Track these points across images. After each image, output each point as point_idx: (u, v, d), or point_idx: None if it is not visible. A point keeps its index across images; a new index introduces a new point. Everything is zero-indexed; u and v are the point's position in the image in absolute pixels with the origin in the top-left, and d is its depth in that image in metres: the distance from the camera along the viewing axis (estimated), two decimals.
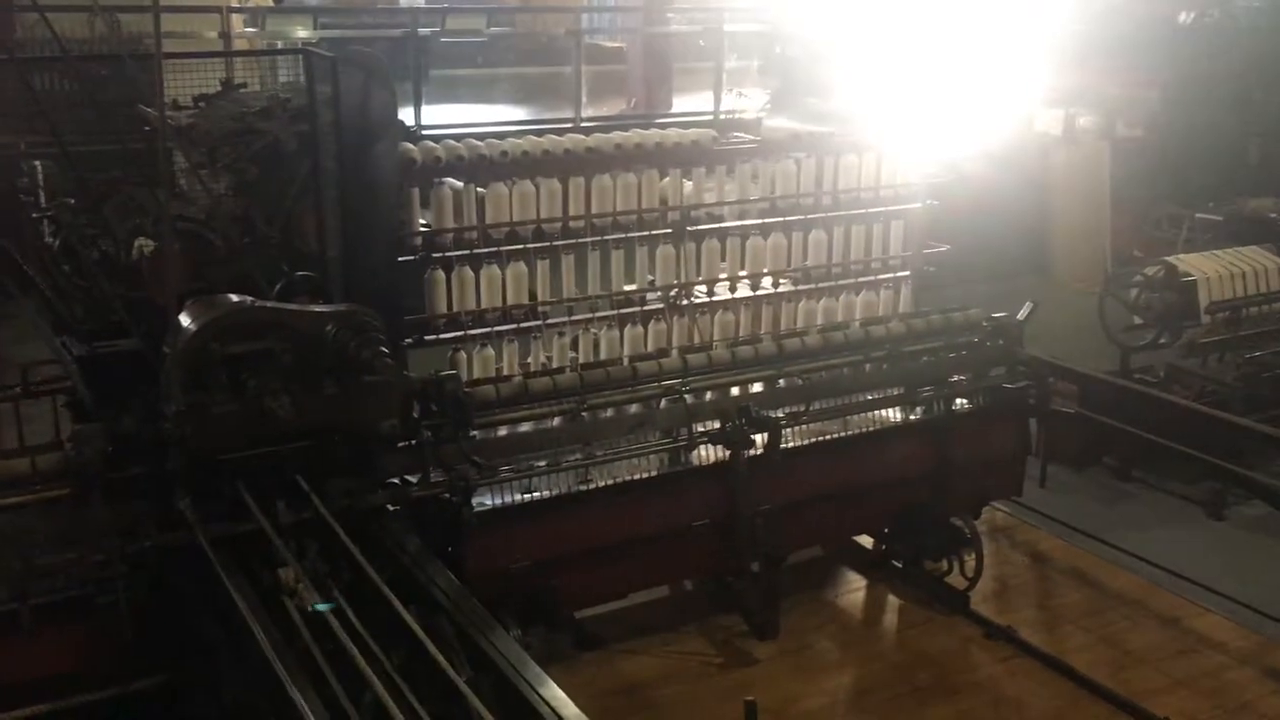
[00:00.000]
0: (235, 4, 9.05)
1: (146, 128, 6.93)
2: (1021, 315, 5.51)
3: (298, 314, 3.83)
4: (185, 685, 3.59)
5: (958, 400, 5.31)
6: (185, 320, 3.65)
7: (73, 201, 4.39)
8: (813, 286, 5.77)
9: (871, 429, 5.12)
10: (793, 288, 5.75)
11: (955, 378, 5.34)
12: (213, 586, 3.35)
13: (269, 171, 5.94)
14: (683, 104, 8.98)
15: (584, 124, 6.41)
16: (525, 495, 4.33)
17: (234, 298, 3.86)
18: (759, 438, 4.65)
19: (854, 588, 5.54)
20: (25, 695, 3.56)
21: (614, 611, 4.95)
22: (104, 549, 3.53)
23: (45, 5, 5.46)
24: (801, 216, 5.67)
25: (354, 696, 2.74)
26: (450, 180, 4.97)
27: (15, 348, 4.35)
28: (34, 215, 5.37)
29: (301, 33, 8.90)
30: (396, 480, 4.08)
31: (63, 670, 3.60)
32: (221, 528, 3.47)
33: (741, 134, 6.26)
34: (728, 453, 4.63)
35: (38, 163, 6.04)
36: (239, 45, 8.65)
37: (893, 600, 5.44)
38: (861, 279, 5.92)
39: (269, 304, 3.92)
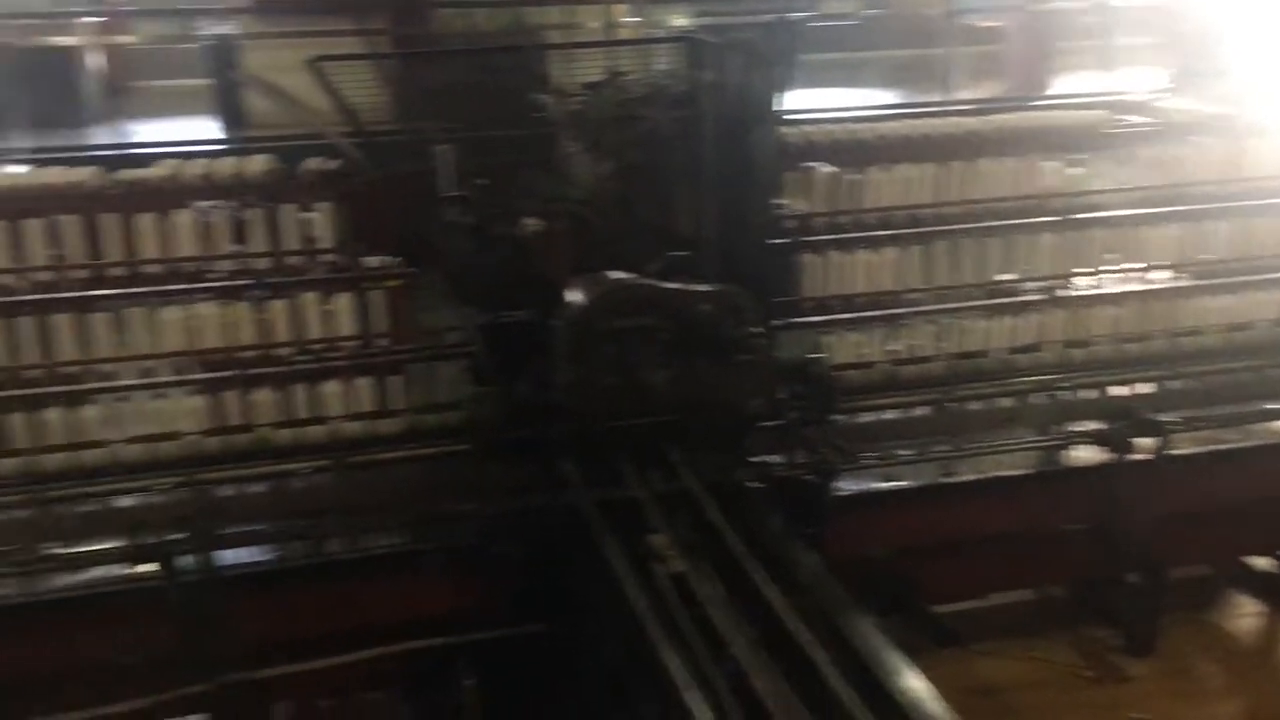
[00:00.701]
0: None
1: (539, 114, 7.44)
2: None
3: (676, 293, 3.99)
4: (562, 635, 3.85)
5: None
6: (573, 295, 3.90)
7: (484, 183, 4.78)
8: (1212, 282, 5.28)
9: (1276, 440, 4.65)
10: (1189, 283, 5.29)
11: None
12: (590, 547, 3.58)
13: (649, 156, 6.21)
14: (1063, 86, 8.51)
15: (961, 107, 6.20)
16: (887, 483, 4.29)
17: (617, 275, 4.09)
18: (1145, 441, 4.35)
19: (1246, 612, 5.06)
20: (425, 629, 3.97)
21: (974, 610, 4.81)
22: (498, 503, 3.87)
23: (460, 1, 5.95)
24: (1203, 206, 5.20)
25: (716, 661, 2.85)
26: (821, 164, 4.98)
27: (422, 314, 4.80)
28: (443, 196, 5.92)
29: (680, 20, 9.22)
30: (760, 458, 4.17)
31: (459, 610, 3.98)
32: (600, 492, 3.69)
33: (1135, 116, 5.83)
34: (1109, 455, 4.36)
35: (445, 147, 6.65)
36: (623, 34, 9.10)
37: None
38: (1270, 275, 5.35)
39: (650, 282, 4.09)
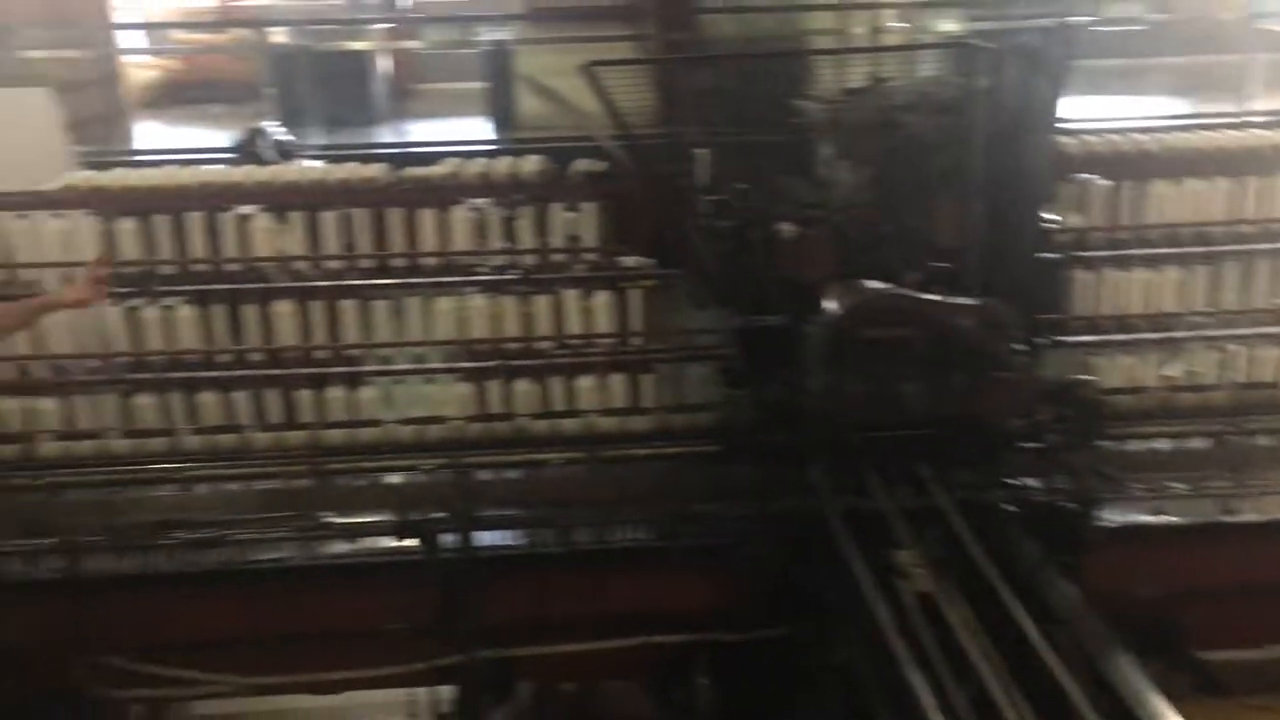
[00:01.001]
0: None
1: (796, 120, 7.40)
2: None
3: (934, 304, 3.88)
4: (800, 641, 3.83)
5: None
6: (828, 303, 3.86)
7: (743, 187, 4.80)
8: None
9: None
10: None
11: None
12: (834, 555, 3.54)
13: (909, 163, 6.08)
14: None
15: (1259, 119, 5.74)
16: (1157, 517, 4.03)
17: (874, 285, 4.02)
18: None
19: None
20: (666, 624, 4.04)
21: (1247, 660, 4.45)
22: (743, 505, 3.89)
23: (726, 7, 6.00)
24: None
25: (960, 686, 2.76)
26: (1093, 176, 4.73)
27: (670, 315, 4.88)
28: (701, 198, 5.99)
29: (949, 25, 8.97)
30: (1016, 481, 4.00)
31: (699, 608, 4.03)
32: (847, 501, 3.64)
33: None
34: None
35: (703, 151, 6.73)
36: (888, 40, 8.94)
37: None
38: None
39: (907, 292, 4.00)
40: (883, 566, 3.35)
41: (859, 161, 6.11)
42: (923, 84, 6.59)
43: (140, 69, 15.82)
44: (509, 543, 4.07)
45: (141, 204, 4.28)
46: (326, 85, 11.87)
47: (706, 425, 4.23)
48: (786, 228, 5.62)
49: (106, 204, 4.30)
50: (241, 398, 4.31)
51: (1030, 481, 3.98)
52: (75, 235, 4.27)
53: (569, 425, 4.28)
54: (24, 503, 4.02)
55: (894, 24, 9.96)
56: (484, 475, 4.18)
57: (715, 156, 6.66)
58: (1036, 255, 4.55)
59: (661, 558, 3.96)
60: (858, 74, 7.92)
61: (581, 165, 4.37)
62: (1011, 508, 3.83)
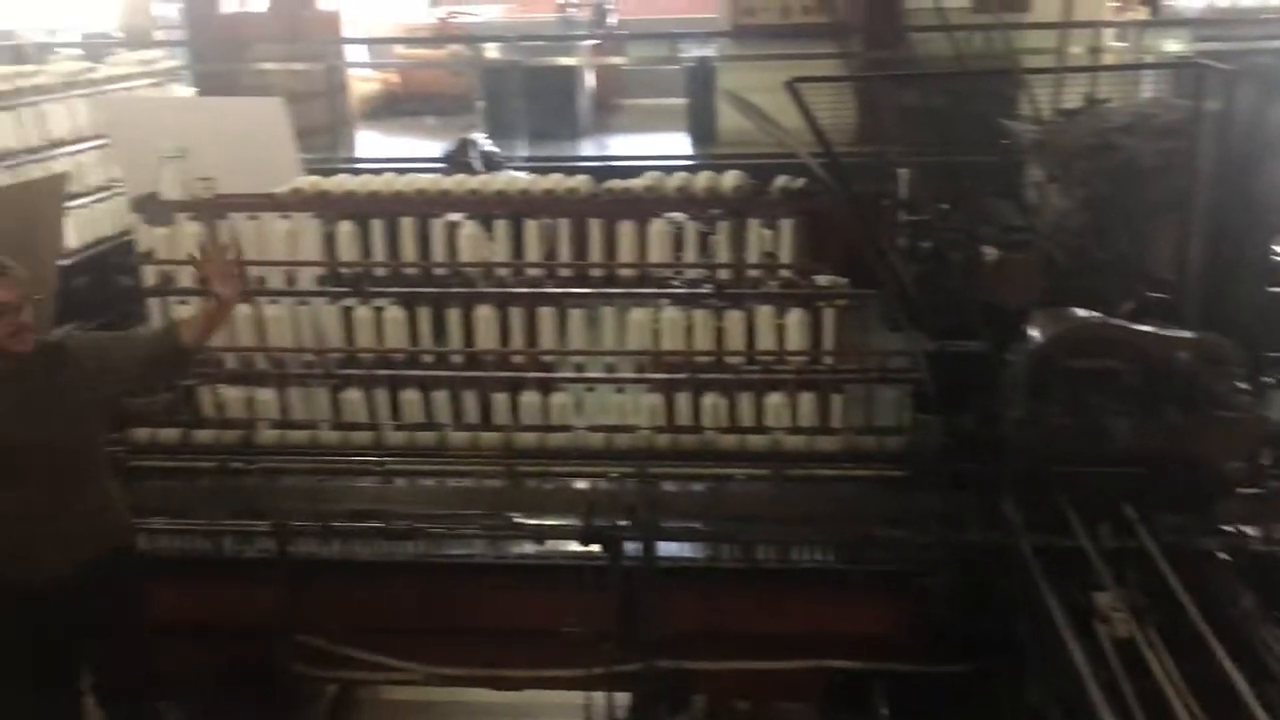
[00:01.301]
0: (1110, 18, 8.94)
1: (1005, 140, 7.19)
2: None
3: (1148, 336, 3.70)
4: (985, 678, 3.70)
5: None
6: (1033, 330, 3.72)
7: (947, 207, 4.70)
8: None
9: None
10: None
11: None
12: (1027, 592, 3.40)
13: (1125, 188, 5.80)
14: None
15: None
16: None
17: (1082, 313, 3.86)
18: None
19: None
20: (844, 649, 3.97)
21: None
22: (929, 533, 3.79)
23: (936, 25, 5.88)
24: None
25: None
26: None
27: (859, 335, 4.81)
28: (901, 217, 5.88)
29: (1174, 45, 8.55)
30: (1231, 527, 3.76)
31: (878, 634, 3.95)
32: (1043, 538, 3.49)
33: None
34: None
35: (904, 170, 6.62)
36: (1107, 60, 8.59)
37: None
38: None
39: (1119, 322, 3.83)
40: (1080, 608, 3.21)
41: (1071, 184, 5.88)
42: (1143, 106, 6.30)
43: (362, 82, 16.73)
44: (690, 555, 4.08)
45: (359, 209, 4.51)
46: (534, 99, 12.27)
47: (895, 449, 4.14)
48: (991, 250, 5.45)
49: (328, 208, 4.55)
50: (441, 397, 4.48)
51: (1247, 529, 3.74)
52: (299, 236, 4.54)
53: (756, 441, 4.26)
54: (241, 486, 4.28)
55: (1114, 43, 9.57)
56: (669, 486, 4.21)
57: (918, 176, 6.55)
58: (1265, 289, 4.28)
59: (842, 581, 3.90)
60: (1073, 95, 7.64)
61: (780, 181, 4.35)
62: (1225, 556, 3.60)
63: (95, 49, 11.70)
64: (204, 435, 4.41)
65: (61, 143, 9.05)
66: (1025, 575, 3.38)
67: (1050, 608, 3.13)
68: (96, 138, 9.20)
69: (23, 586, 3.44)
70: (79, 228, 9.02)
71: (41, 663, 3.57)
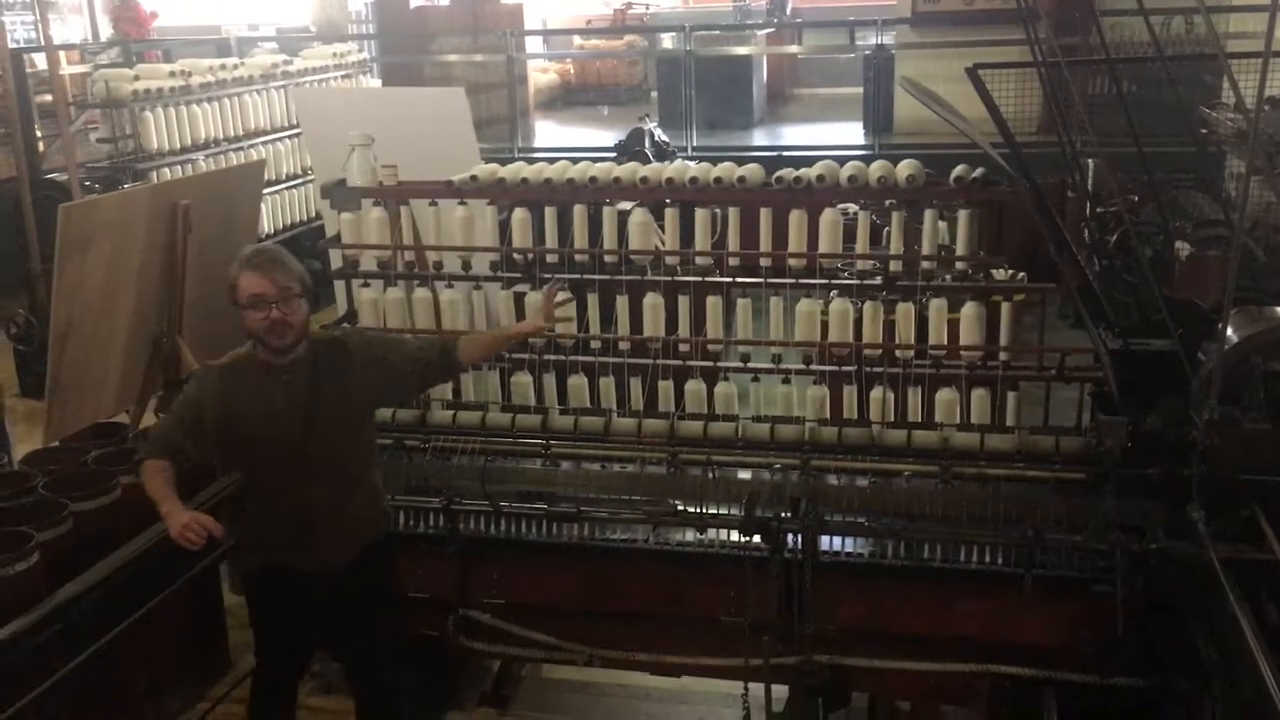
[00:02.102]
0: None
1: (1204, 130, 6.80)
2: None
3: None
4: (1168, 694, 3.53)
5: None
6: (1229, 329, 3.52)
7: (1136, 199, 4.48)
8: None
9: None
10: None
11: None
12: (1213, 606, 3.22)
13: None
14: None
15: None
16: None
17: None
18: None
19: None
20: (1012, 654, 3.84)
21: None
22: (1109, 540, 3.62)
23: (1131, 9, 5.60)
24: None
25: None
26: None
27: (1034, 334, 4.63)
28: (1086, 210, 5.64)
29: None
30: None
31: (1049, 642, 3.81)
32: (1232, 548, 3.30)
33: None
34: None
35: (1090, 161, 6.34)
36: None
37: None
38: None
39: None
40: (1271, 625, 3.03)
41: (1273, 177, 5.53)
42: None
43: (540, 73, 17.09)
44: (853, 550, 4.02)
45: (533, 195, 4.60)
46: (708, 89, 12.31)
47: (1073, 450, 3.97)
48: (1184, 245, 5.17)
49: (503, 195, 4.66)
50: (607, 383, 4.53)
51: None
52: (475, 222, 4.66)
53: (924, 437, 4.16)
54: (415, 464, 4.43)
55: None
56: (833, 480, 4.15)
57: (1106, 167, 6.26)
58: None
59: (1013, 585, 3.76)
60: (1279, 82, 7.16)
61: (958, 171, 4.23)
62: None
63: (291, 43, 12.32)
64: (381, 413, 4.58)
65: (259, 132, 9.59)
66: (1212, 587, 3.20)
67: (1239, 623, 2.95)
68: (290, 128, 9.70)
69: (297, 572, 3.62)
70: (273, 213, 9.53)
71: (297, 642, 3.82)
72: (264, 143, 9.59)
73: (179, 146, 8.81)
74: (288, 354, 3.48)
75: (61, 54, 12.42)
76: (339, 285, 4.90)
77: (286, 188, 9.77)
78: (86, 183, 8.35)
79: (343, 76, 10.76)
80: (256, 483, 3.63)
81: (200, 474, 3.94)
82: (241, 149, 9.35)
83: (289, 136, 9.77)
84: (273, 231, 9.38)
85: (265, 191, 8.58)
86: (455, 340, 3.83)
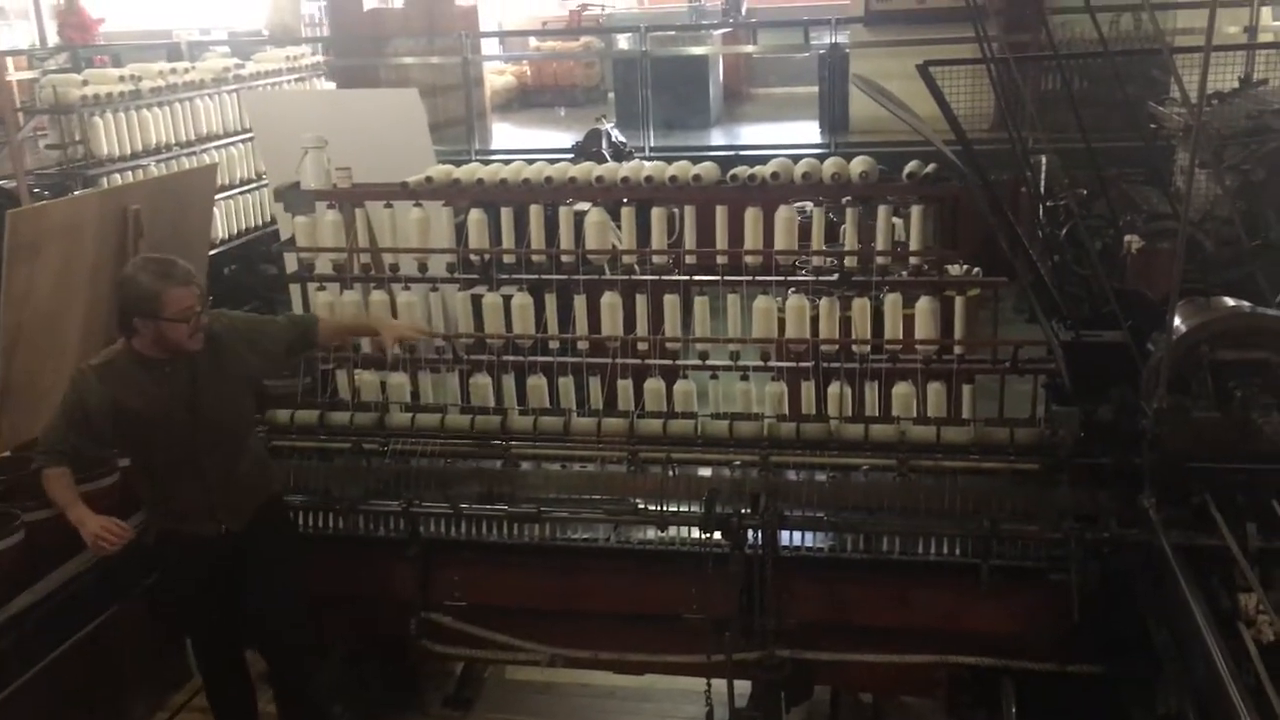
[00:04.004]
0: None
1: (1153, 125, 6.91)
2: None
3: None
4: (1124, 680, 3.58)
5: None
6: (1177, 320, 3.57)
7: (1085, 193, 4.54)
8: None
9: None
10: None
11: None
12: (1166, 592, 3.27)
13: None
14: None
15: None
16: None
17: (1230, 302, 3.69)
18: None
19: None
20: (970, 644, 3.88)
21: None
22: (1063, 529, 3.67)
23: (1080, 7, 5.68)
24: None
25: None
26: None
27: (995, 325, 4.68)
28: (1038, 204, 5.70)
29: None
30: None
31: (1007, 631, 3.85)
32: (1184, 535, 3.35)
33: None
34: None
35: (1043, 157, 6.41)
36: (1264, 39, 8.17)
37: None
38: None
39: (1270, 312, 3.64)
40: (1223, 610, 3.07)
41: (1220, 170, 5.63)
42: None
43: (496, 75, 17.03)
44: (813, 545, 4.04)
45: (488, 196, 4.59)
46: (664, 89, 12.33)
47: (1028, 442, 4.02)
48: (1134, 238, 5.25)
49: (458, 196, 4.64)
50: (566, 383, 4.53)
51: None
52: (431, 224, 4.64)
53: (881, 431, 4.19)
54: (374, 468, 4.41)
55: (1272, 22, 9.11)
56: (792, 475, 4.18)
57: (1057, 162, 6.34)
58: None
59: (970, 575, 3.80)
60: (1227, 77, 7.30)
61: (911, 168, 4.27)
62: None
63: (243, 47, 12.20)
64: (339, 417, 4.55)
65: (212, 137, 9.48)
66: (1165, 574, 3.25)
67: (1191, 609, 3.00)
68: (244, 132, 9.60)
69: (200, 538, 3.87)
70: (227, 218, 9.43)
71: (215, 603, 3.97)
72: (217, 147, 9.48)
73: (130, 152, 8.68)
74: (163, 363, 3.73)
75: (9, 60, 12.25)
76: (295, 289, 4.86)
77: (240, 192, 9.66)
78: (36, 189, 8.21)
79: (296, 80, 10.67)
80: (150, 464, 3.87)
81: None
82: (194, 153, 9.23)
83: (242, 141, 9.66)
84: (227, 236, 9.28)
85: (218, 196, 8.48)
86: (316, 323, 4.21)
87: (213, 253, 7.20)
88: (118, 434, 3.78)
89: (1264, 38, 8.57)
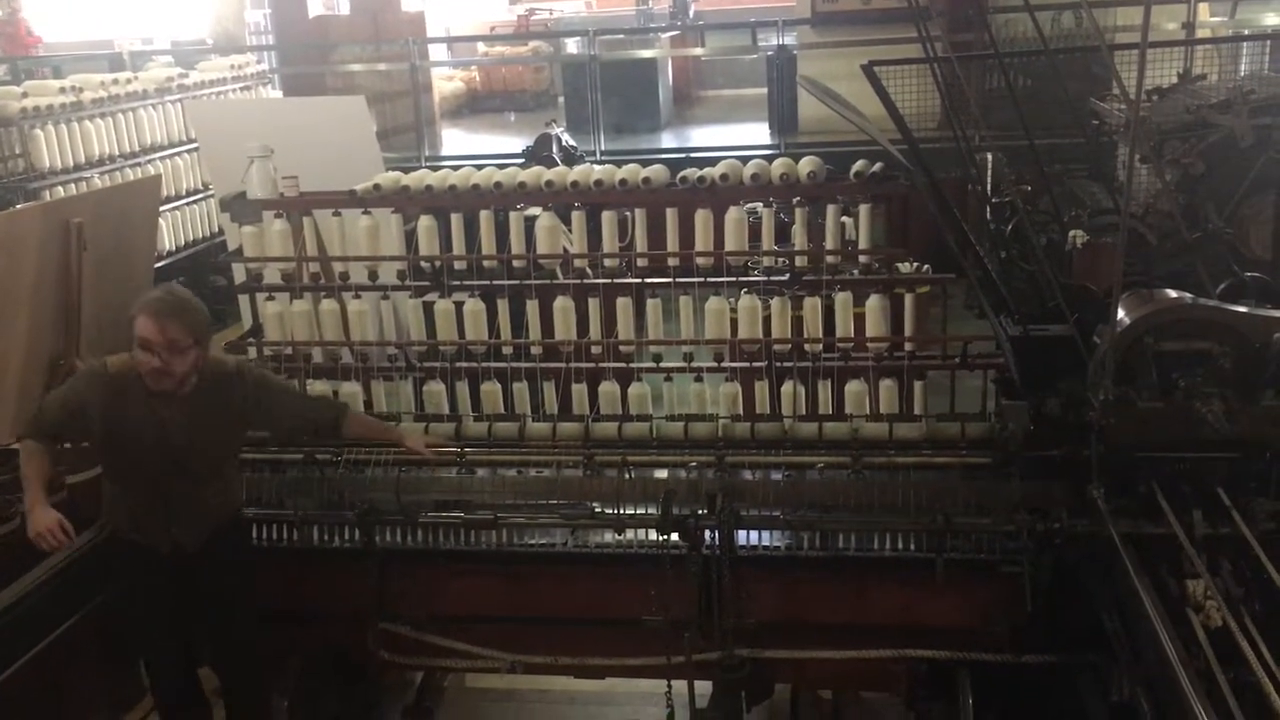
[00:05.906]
0: None
1: (1095, 121, 7.01)
2: None
3: (1243, 317, 3.58)
4: (1077, 668, 3.62)
5: None
6: (1121, 312, 3.63)
7: (1029, 189, 4.60)
8: None
9: None
10: None
11: None
12: (1116, 581, 3.32)
13: (1220, 167, 5.62)
14: None
15: None
16: None
17: (1173, 294, 3.75)
18: None
19: None
20: (928, 638, 3.92)
21: None
22: (1015, 521, 3.72)
23: (1020, 6, 5.76)
24: None
25: None
26: None
27: (945, 321, 4.73)
28: (984, 202, 5.78)
29: (1273, 19, 8.25)
30: None
31: (962, 624, 3.89)
32: (1132, 524, 3.41)
33: None
34: None
35: (988, 155, 6.49)
36: (1201, 35, 8.32)
37: None
38: None
39: (1211, 304, 3.71)
40: (1172, 596, 3.12)
41: (1160, 165, 5.72)
42: (1241, 82, 6.09)
43: (445, 81, 16.95)
44: (770, 544, 4.06)
45: (438, 203, 4.56)
46: (614, 93, 12.33)
47: (979, 436, 4.07)
48: (1078, 233, 5.32)
49: (407, 203, 4.62)
50: (521, 388, 4.52)
51: None
52: (381, 231, 4.61)
53: (835, 429, 4.22)
54: (328, 477, 4.36)
55: (1209, 18, 9.28)
56: (748, 475, 4.19)
57: (1001, 159, 6.42)
58: None
59: (925, 570, 3.84)
60: (1166, 73, 7.41)
61: (858, 168, 4.30)
62: None
63: (187, 56, 12.05)
64: None
65: (156, 147, 9.36)
66: (1114, 563, 3.30)
67: (1141, 596, 3.05)
68: (188, 142, 9.48)
69: (160, 551, 3.82)
70: (173, 229, 9.31)
71: (166, 623, 3.93)
72: (161, 158, 9.36)
73: (72, 164, 8.55)
74: (168, 394, 3.68)
75: None
76: (243, 300, 4.81)
77: (186, 203, 9.55)
78: None
79: (242, 89, 10.56)
80: (118, 473, 3.85)
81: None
82: (138, 164, 9.11)
83: (187, 151, 9.55)
84: (174, 248, 9.16)
85: (164, 208, 8.37)
86: (346, 416, 4.16)
87: (159, 265, 7.09)
88: (101, 442, 3.79)
89: (1201, 33, 8.74)
